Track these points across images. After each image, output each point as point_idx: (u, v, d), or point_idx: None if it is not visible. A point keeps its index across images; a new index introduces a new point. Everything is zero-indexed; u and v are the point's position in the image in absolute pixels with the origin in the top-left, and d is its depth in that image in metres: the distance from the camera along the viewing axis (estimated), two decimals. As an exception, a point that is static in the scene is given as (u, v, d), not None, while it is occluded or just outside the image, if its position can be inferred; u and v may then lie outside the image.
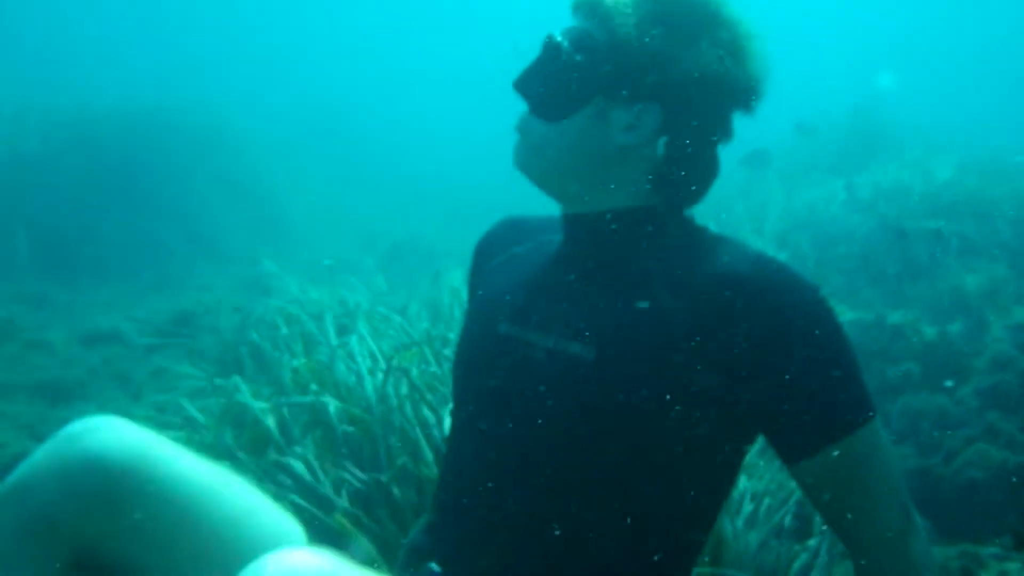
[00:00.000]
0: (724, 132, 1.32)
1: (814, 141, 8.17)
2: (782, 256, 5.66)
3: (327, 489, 2.08)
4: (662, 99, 1.26)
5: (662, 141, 1.28)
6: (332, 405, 2.26)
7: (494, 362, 1.32)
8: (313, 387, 2.38)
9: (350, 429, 2.21)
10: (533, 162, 1.32)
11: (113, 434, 1.31)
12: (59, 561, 1.27)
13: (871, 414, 1.21)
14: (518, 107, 1.35)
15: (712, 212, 1.38)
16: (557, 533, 1.22)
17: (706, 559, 1.76)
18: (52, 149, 9.06)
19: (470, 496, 1.30)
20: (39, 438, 3.65)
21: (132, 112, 9.71)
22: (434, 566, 1.28)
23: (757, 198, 7.37)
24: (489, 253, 1.53)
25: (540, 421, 1.24)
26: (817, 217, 6.47)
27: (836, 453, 1.19)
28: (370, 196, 11.00)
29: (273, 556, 1.00)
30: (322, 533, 2.02)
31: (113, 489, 1.28)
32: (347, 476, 2.07)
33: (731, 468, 1.28)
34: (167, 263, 8.18)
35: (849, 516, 1.23)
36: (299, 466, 2.15)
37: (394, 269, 7.47)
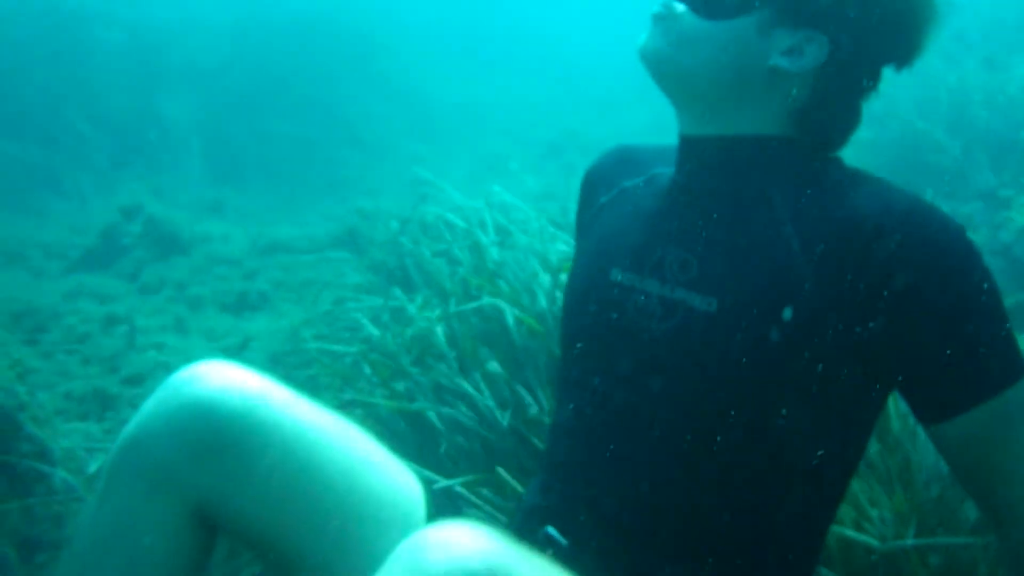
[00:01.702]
0: (875, 84, 1.20)
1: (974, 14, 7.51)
2: (958, 141, 5.29)
3: (494, 408, 2.08)
4: (834, 33, 1.14)
5: (818, 76, 1.17)
6: (510, 315, 2.23)
7: (606, 311, 1.24)
8: (487, 299, 2.36)
9: (529, 343, 2.19)
10: (671, 57, 1.19)
11: (220, 381, 1.26)
12: (181, 514, 1.25)
13: (1020, 371, 1.09)
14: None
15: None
16: (673, 495, 1.16)
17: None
18: (220, 60, 9.38)
19: (579, 455, 1.24)
20: (225, 351, 3.90)
21: (292, 21, 9.92)
22: (552, 531, 1.23)
23: (918, 77, 6.85)
24: (598, 188, 1.42)
25: (656, 377, 1.17)
26: (993, 99, 5.97)
27: (980, 415, 1.09)
28: (524, 91, 10.90)
29: (431, 535, 0.94)
30: (488, 453, 2.06)
31: (223, 438, 1.24)
32: (523, 392, 2.06)
33: (864, 425, 1.18)
34: (331, 167, 8.40)
35: (990, 480, 1.13)
36: (467, 386, 2.16)
37: (552, 166, 7.43)
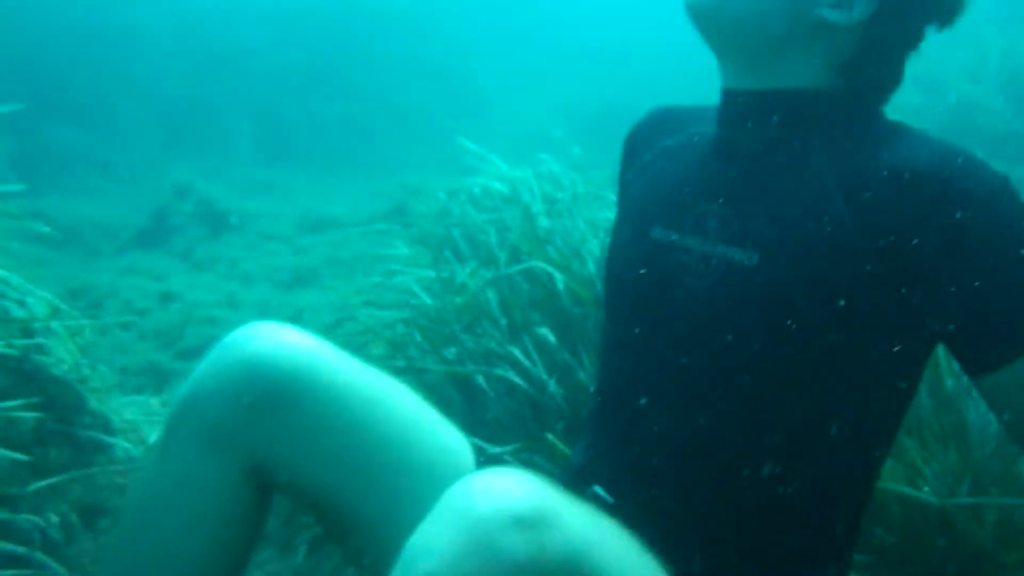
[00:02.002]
0: (918, 42, 1.20)
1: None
2: (1010, 104, 5.20)
3: (543, 373, 2.09)
4: None
5: (865, 29, 1.16)
6: (560, 280, 2.23)
7: (647, 270, 1.24)
8: (538, 263, 2.36)
9: (578, 309, 2.19)
10: (719, 5, 1.18)
11: (273, 340, 1.28)
12: (237, 472, 1.26)
13: None
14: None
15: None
16: (718, 449, 1.16)
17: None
18: (266, 43, 9.46)
19: (624, 414, 1.25)
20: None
21: (336, 2, 9.96)
22: (599, 490, 1.23)
23: (967, 42, 6.72)
24: (639, 148, 1.42)
25: (698, 333, 1.17)
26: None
27: None
28: (566, 70, 10.86)
29: (479, 480, 0.95)
30: (538, 418, 2.07)
31: (277, 395, 1.25)
32: (569, 359, 2.07)
33: (910, 377, 1.18)
34: (377, 146, 8.45)
35: None
36: (517, 351, 2.16)
37: (596, 140, 7.39)
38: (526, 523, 0.91)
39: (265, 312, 4.23)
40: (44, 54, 8.40)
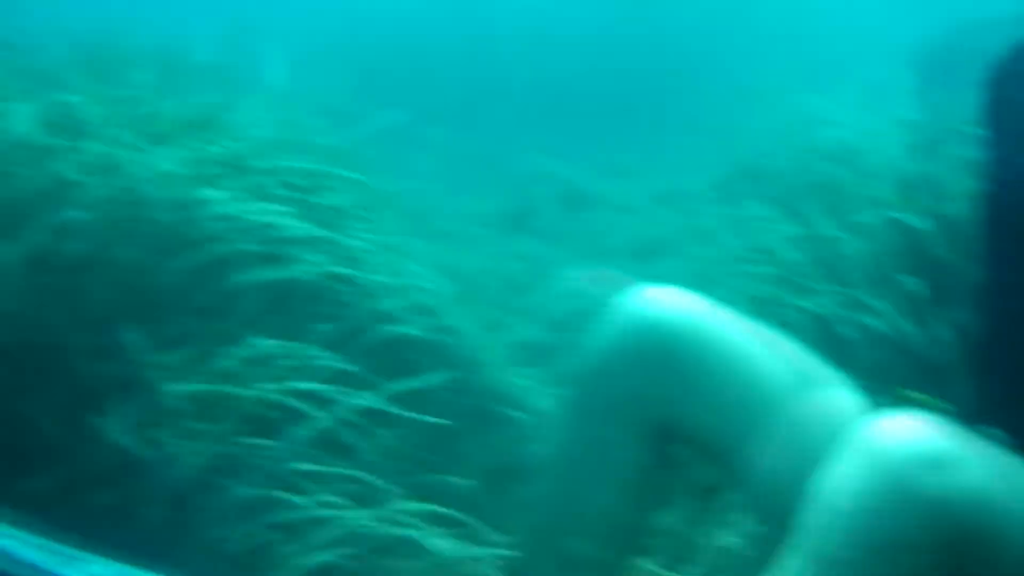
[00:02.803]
0: None
1: None
2: None
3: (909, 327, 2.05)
4: None
5: None
6: (927, 227, 2.18)
7: None
8: (902, 213, 2.32)
9: (947, 255, 2.13)
10: None
11: (667, 302, 1.34)
12: (643, 433, 1.36)
13: None
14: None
15: None
16: None
17: None
18: (601, 26, 9.66)
19: (1014, 355, 1.22)
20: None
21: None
22: (995, 432, 1.17)
23: None
24: (1014, 86, 1.32)
25: None
26: None
27: None
28: (901, 18, 10.14)
29: (887, 423, 0.99)
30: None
31: (675, 356, 1.32)
32: (937, 309, 2.01)
33: None
34: (718, 116, 8.39)
35: None
36: (875, 301, 2.13)
37: (946, 81, 6.86)
38: (937, 463, 0.95)
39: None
40: (409, 61, 9.13)
